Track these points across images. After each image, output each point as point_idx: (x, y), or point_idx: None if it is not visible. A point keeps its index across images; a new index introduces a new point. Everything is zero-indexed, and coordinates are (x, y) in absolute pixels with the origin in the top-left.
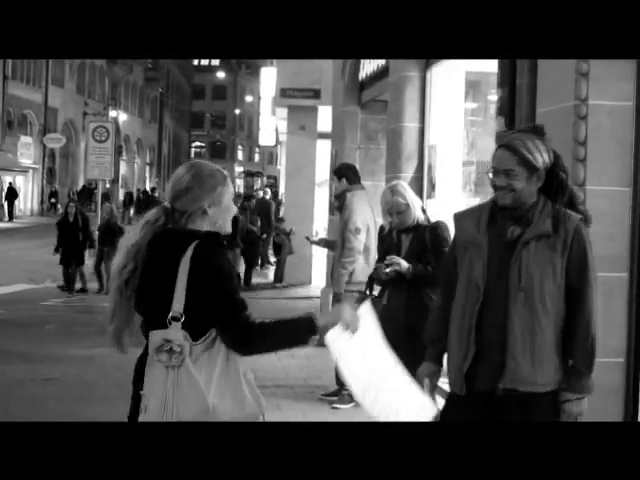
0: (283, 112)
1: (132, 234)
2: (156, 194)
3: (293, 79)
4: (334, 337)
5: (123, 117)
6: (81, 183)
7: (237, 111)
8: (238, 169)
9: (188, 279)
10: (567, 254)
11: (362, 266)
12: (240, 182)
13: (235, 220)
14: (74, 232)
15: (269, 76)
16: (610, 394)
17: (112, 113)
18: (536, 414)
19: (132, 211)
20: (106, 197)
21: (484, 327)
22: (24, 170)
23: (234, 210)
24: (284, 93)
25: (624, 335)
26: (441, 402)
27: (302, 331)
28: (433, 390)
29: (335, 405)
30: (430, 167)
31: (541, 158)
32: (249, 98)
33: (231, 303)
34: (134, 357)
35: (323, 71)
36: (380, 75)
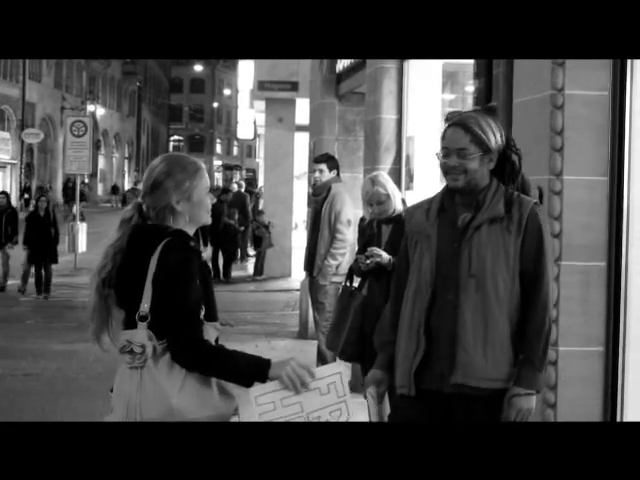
0: (261, 105)
1: (111, 234)
2: (138, 187)
3: (271, 72)
4: (261, 391)
5: (101, 111)
6: (60, 178)
7: (215, 104)
8: (217, 162)
9: (154, 278)
10: (521, 238)
11: (348, 258)
12: (219, 175)
13: (217, 215)
14: (45, 228)
15: (247, 69)
16: (589, 383)
17: (90, 107)
18: (487, 413)
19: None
20: (43, 191)
21: (434, 321)
22: (2, 166)
23: (207, 204)
24: (262, 86)
25: (603, 324)
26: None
27: (249, 372)
28: (381, 399)
29: None
30: (408, 158)
31: (494, 138)
32: (227, 91)
33: (179, 313)
34: (115, 352)
35: (300, 64)
36: (357, 67)
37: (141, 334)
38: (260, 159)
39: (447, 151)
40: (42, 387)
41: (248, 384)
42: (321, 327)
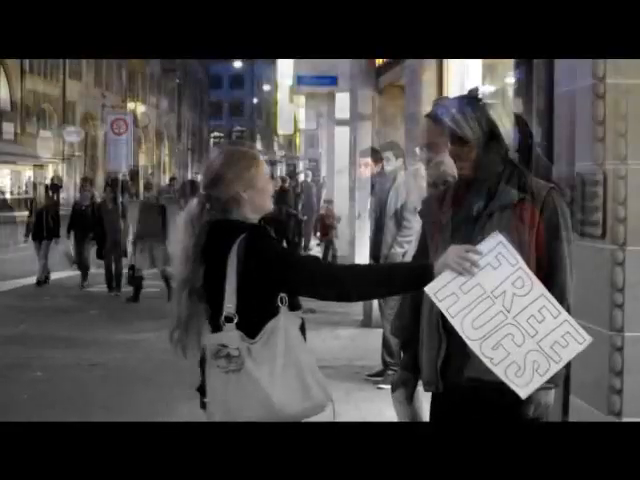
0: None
1: (182, 237)
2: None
3: (310, 66)
4: (438, 286)
5: (141, 108)
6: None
7: (255, 100)
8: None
9: (238, 276)
10: (537, 225)
11: (414, 246)
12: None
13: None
14: (116, 220)
15: (286, 64)
16: None
17: (130, 105)
18: (502, 408)
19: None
20: (87, 181)
21: None
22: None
23: (270, 190)
24: (301, 81)
25: None
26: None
27: (413, 280)
28: (410, 399)
29: (380, 385)
30: None
31: (467, 126)
32: (267, 87)
33: (299, 259)
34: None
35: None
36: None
37: (233, 336)
38: (323, 150)
39: (423, 144)
40: (107, 376)
41: (413, 290)
42: (386, 314)
